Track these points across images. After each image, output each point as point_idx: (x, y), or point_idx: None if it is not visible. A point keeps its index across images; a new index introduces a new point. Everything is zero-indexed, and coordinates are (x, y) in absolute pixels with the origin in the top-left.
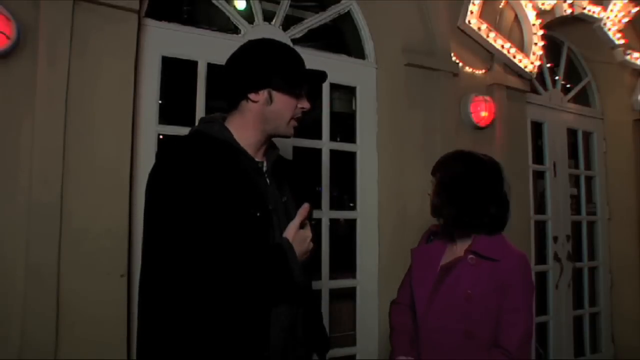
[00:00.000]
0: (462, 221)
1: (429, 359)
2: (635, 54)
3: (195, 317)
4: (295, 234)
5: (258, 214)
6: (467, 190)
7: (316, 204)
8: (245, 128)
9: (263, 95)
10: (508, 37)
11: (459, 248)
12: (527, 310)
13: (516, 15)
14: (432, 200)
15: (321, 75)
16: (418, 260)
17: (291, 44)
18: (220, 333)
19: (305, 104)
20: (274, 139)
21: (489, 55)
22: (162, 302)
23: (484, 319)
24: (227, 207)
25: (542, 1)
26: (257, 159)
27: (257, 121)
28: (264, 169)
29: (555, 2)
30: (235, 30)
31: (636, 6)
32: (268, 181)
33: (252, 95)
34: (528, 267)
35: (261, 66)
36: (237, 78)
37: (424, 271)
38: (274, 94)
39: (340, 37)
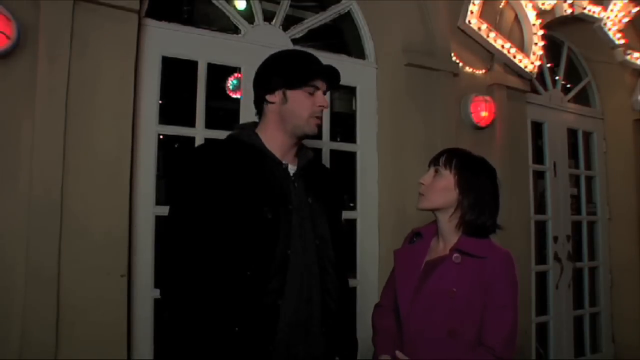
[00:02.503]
0: (477, 223)
1: (413, 358)
2: (636, 54)
3: (201, 310)
4: None
5: (269, 216)
6: (492, 193)
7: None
8: (269, 130)
9: (278, 95)
10: (508, 37)
11: (444, 247)
12: (513, 308)
13: (516, 15)
14: (447, 194)
15: (331, 70)
16: (401, 260)
17: (291, 44)
18: (225, 326)
19: (322, 102)
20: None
21: (489, 55)
22: (172, 291)
23: (468, 317)
24: (238, 206)
25: (542, 1)
26: (284, 161)
27: (277, 121)
28: (291, 171)
29: (555, 2)
30: (235, 30)
31: (636, 6)
32: (296, 183)
33: (269, 97)
34: (513, 264)
35: (274, 69)
36: (258, 85)
37: (407, 271)
38: (288, 93)
39: (340, 37)
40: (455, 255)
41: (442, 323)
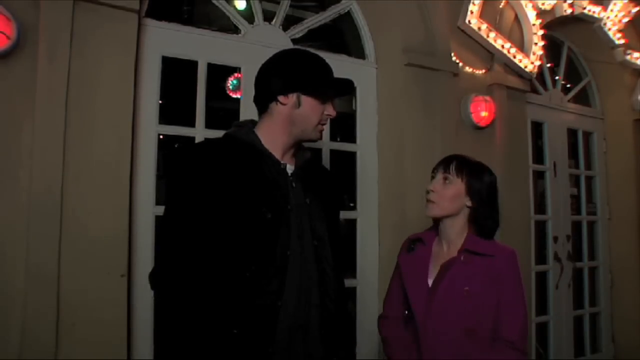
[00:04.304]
0: (490, 226)
1: None
2: (636, 54)
3: (199, 311)
4: None
5: (269, 216)
6: (496, 198)
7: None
8: (273, 130)
9: (292, 98)
10: (508, 37)
11: (449, 249)
12: (524, 302)
13: (516, 15)
14: (457, 201)
15: (348, 84)
16: (408, 268)
17: (291, 44)
18: (224, 328)
19: (331, 111)
20: (306, 144)
21: (489, 55)
22: (169, 293)
23: (483, 315)
24: (236, 206)
25: (542, 1)
26: (282, 161)
27: (285, 124)
28: (289, 171)
29: (555, 2)
30: (235, 30)
31: (636, 6)
32: (294, 183)
33: (281, 98)
34: (518, 261)
35: (292, 71)
36: (269, 82)
37: (416, 277)
38: (302, 98)
39: (340, 37)
40: (465, 255)
41: (459, 323)
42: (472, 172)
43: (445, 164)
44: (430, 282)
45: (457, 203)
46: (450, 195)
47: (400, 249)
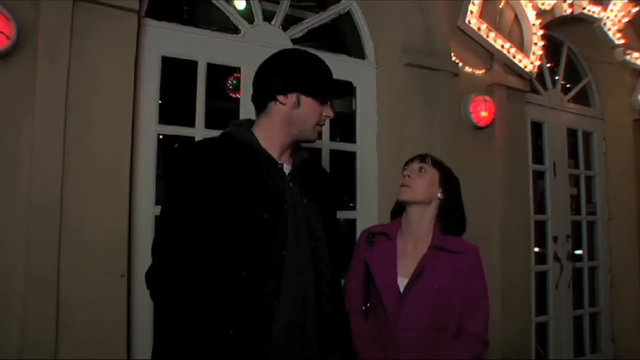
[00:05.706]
0: (459, 223)
1: (404, 356)
2: (635, 54)
3: (195, 311)
4: None
5: (266, 215)
6: (461, 198)
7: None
8: (271, 130)
9: (291, 98)
10: (508, 37)
11: (415, 244)
12: (487, 297)
13: (516, 15)
14: (430, 189)
15: (347, 86)
16: (376, 263)
17: (291, 44)
18: (220, 327)
19: (329, 112)
20: (305, 144)
21: (489, 55)
22: (166, 292)
23: (452, 310)
24: (234, 205)
25: (542, 1)
26: (280, 161)
27: (284, 123)
28: (287, 171)
29: (555, 2)
30: (235, 30)
31: (636, 6)
32: (291, 183)
33: (281, 98)
34: (482, 258)
35: (292, 71)
36: (269, 81)
37: (387, 273)
38: (302, 98)
39: (340, 37)
40: (436, 252)
41: (429, 318)
42: (445, 167)
43: (420, 156)
44: (399, 278)
45: (430, 191)
46: (426, 182)
47: (358, 241)
